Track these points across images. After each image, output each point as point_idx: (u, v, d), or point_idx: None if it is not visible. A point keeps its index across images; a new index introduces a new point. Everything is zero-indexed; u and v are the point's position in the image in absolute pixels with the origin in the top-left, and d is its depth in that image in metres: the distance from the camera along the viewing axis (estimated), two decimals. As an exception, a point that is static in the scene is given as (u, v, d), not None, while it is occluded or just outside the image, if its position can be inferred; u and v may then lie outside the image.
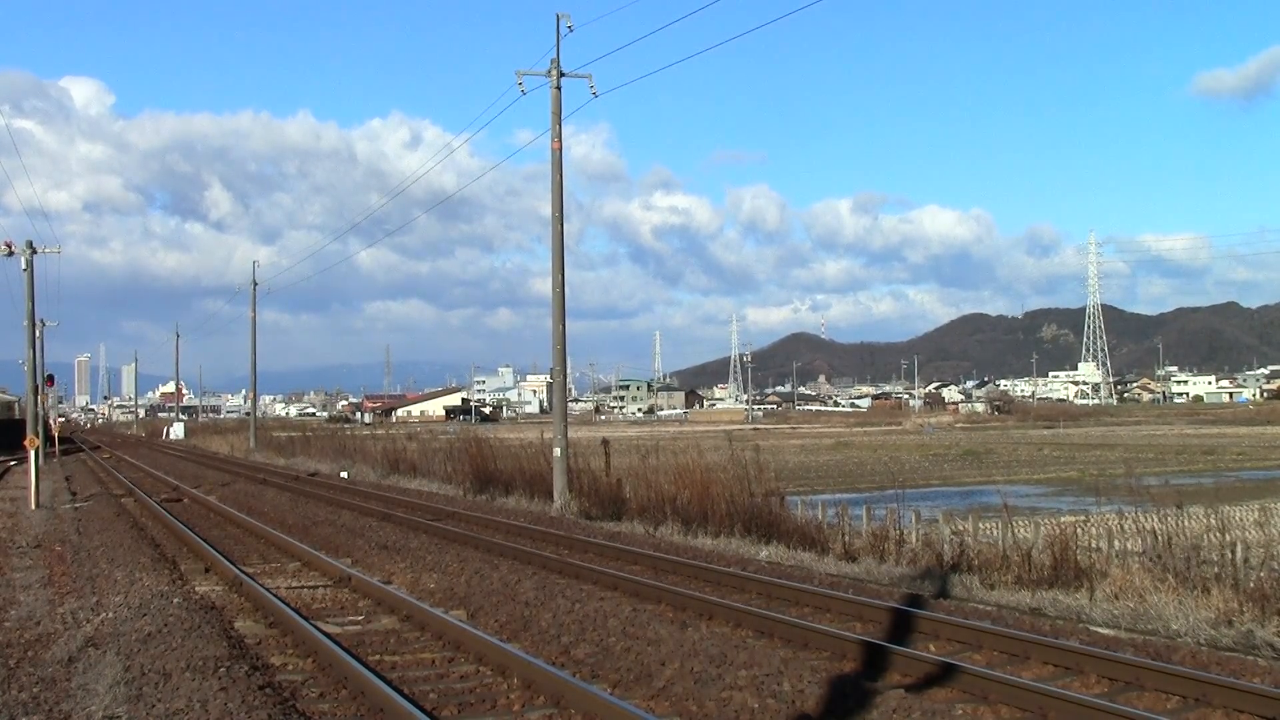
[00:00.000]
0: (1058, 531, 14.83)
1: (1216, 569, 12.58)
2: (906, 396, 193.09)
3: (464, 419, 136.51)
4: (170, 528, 21.65)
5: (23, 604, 13.27)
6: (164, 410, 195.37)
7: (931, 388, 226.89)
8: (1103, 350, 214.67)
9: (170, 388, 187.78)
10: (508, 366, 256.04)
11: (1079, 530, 15.39)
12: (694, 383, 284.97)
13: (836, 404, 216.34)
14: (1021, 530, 16.58)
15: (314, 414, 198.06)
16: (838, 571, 15.39)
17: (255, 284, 67.99)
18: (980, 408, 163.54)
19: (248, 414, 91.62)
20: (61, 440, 68.86)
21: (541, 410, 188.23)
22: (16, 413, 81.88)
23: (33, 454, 29.18)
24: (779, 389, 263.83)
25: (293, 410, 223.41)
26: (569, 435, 26.19)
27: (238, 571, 14.94)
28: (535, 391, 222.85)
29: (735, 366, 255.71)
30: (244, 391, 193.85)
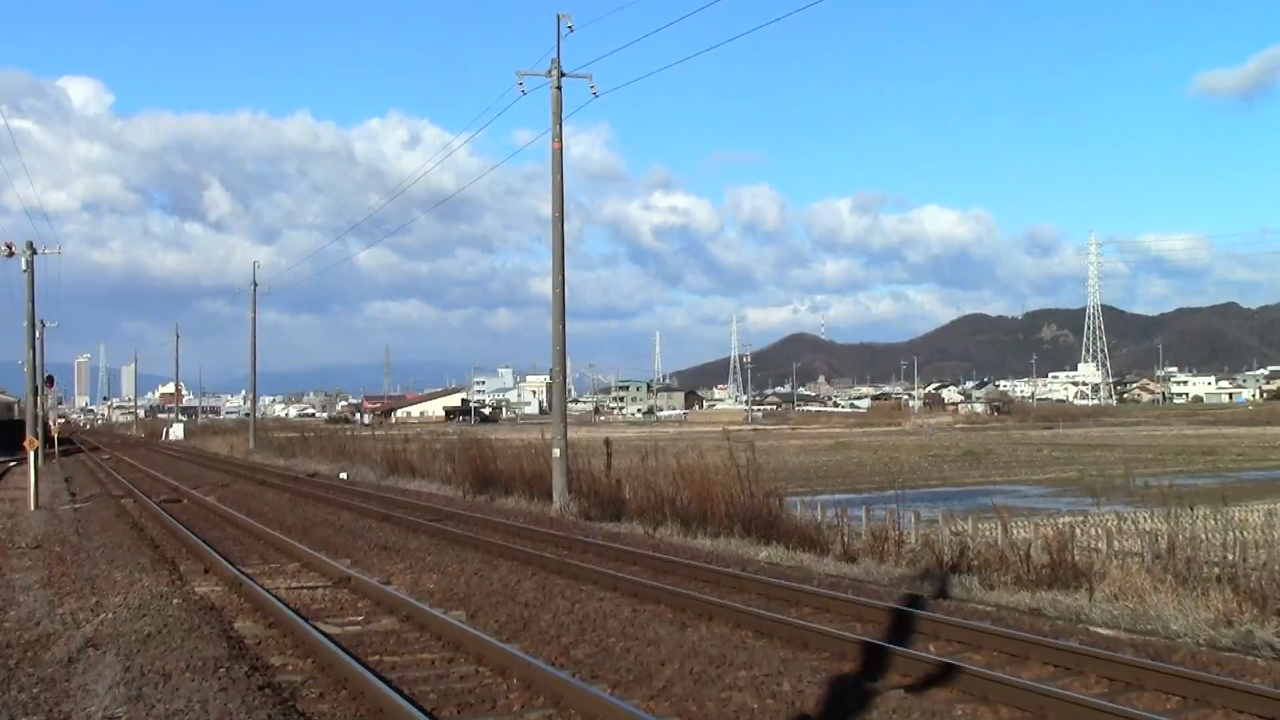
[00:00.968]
0: (1057, 532, 14.83)
1: (1217, 569, 12.58)
2: (906, 397, 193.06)
3: (464, 420, 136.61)
4: (170, 528, 21.64)
5: (22, 605, 13.27)
6: (164, 411, 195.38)
7: (931, 388, 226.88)
8: (1103, 351, 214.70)
9: (170, 388, 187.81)
10: (508, 367, 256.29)
11: (1078, 531, 15.39)
12: (694, 383, 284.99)
13: (836, 404, 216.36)
14: (1021, 531, 16.58)
15: (313, 415, 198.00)
16: (837, 572, 15.39)
17: (255, 284, 68.08)
18: (980, 408, 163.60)
19: (247, 415, 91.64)
20: (61, 441, 68.86)
21: (541, 411, 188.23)
22: (16, 413, 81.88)
23: (32, 455, 29.17)
24: (779, 389, 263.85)
25: (292, 411, 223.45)
26: (569, 436, 26.19)
27: (237, 572, 14.94)
28: (535, 392, 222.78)
29: (735, 367, 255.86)
30: (244, 392, 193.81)
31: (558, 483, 25.14)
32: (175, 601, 12.99)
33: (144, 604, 12.82)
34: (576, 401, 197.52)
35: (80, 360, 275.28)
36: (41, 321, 52.69)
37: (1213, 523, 14.91)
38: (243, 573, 14.94)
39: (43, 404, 48.18)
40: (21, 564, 17.10)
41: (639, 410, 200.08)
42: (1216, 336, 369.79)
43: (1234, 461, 48.54)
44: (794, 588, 13.28)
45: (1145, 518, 16.12)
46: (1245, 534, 15.53)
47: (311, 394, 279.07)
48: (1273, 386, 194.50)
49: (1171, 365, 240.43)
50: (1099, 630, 11.27)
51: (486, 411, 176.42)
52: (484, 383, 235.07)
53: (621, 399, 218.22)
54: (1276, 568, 12.15)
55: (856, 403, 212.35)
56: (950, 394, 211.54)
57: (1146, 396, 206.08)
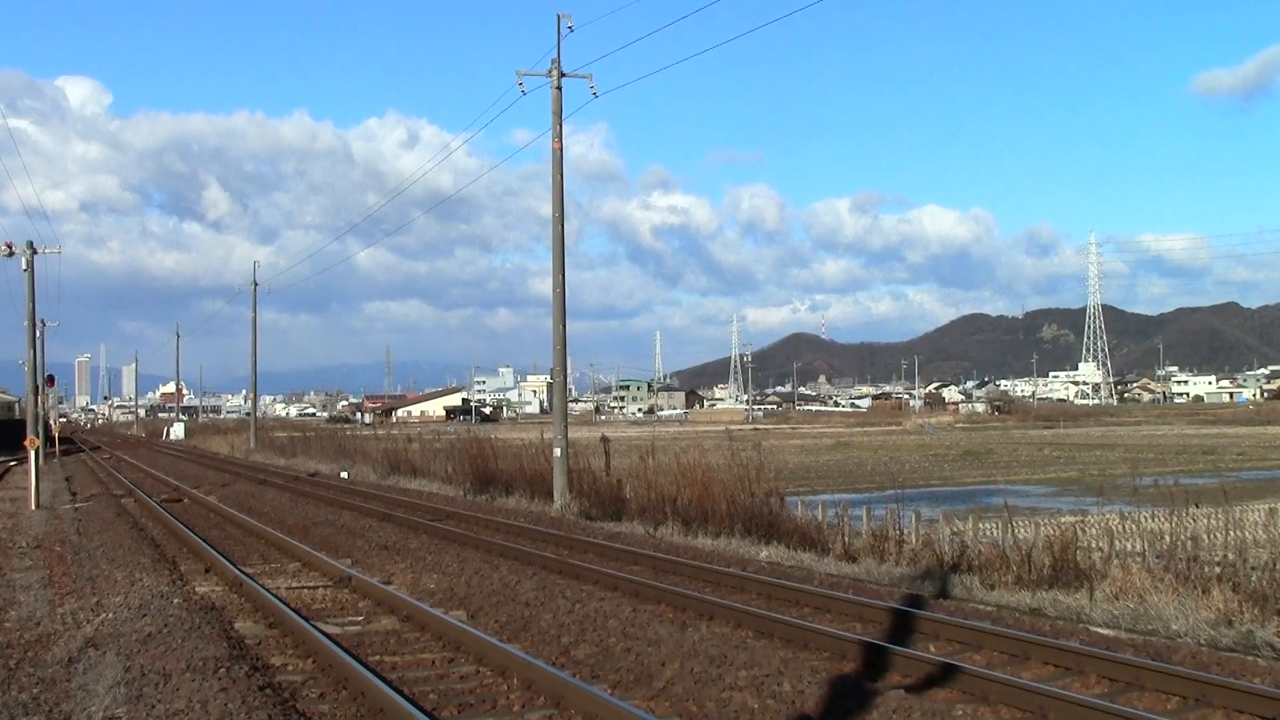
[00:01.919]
0: (1058, 532, 14.83)
1: (1217, 569, 12.58)
2: (907, 397, 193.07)
3: (464, 419, 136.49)
4: (170, 528, 21.65)
5: (23, 604, 13.27)
6: (164, 410, 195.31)
7: (932, 388, 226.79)
8: (1103, 350, 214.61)
9: (170, 388, 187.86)
10: (508, 367, 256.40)
11: (1079, 530, 15.38)
12: (694, 383, 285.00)
13: (836, 404, 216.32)
14: (1021, 530, 16.57)
15: (314, 414, 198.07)
16: (838, 572, 15.39)
17: (255, 284, 68.06)
18: (980, 408, 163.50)
19: (248, 414, 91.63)
20: (62, 440, 68.87)
21: (542, 410, 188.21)
22: (17, 413, 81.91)
23: (33, 454, 29.18)
24: (779, 389, 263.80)
25: (293, 410, 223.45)
26: (569, 435, 26.19)
27: (238, 572, 14.94)
28: (535, 392, 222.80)
29: (735, 367, 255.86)
30: (244, 392, 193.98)
31: (558, 482, 25.14)
32: (176, 601, 12.99)
33: (144, 604, 12.82)
34: (577, 401, 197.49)
35: (81, 360, 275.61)
36: (42, 321, 52.77)
37: (1214, 522, 14.91)
38: (243, 572, 14.94)
39: (43, 403, 48.20)
40: (22, 564, 17.11)
41: (640, 410, 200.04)
42: (1216, 336, 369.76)
43: (1234, 461, 48.54)
44: (794, 588, 13.28)
45: (1146, 517, 16.12)
46: (1246, 534, 15.52)
47: (312, 393, 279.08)
48: (1273, 386, 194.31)
49: (1172, 365, 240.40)
50: (1099, 630, 11.27)
51: (487, 411, 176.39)
52: (484, 382, 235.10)
53: (622, 398, 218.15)
54: (1277, 567, 12.14)
55: (857, 402, 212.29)
56: (951, 393, 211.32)
57: (1147, 396, 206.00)
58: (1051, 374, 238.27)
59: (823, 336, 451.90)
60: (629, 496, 23.44)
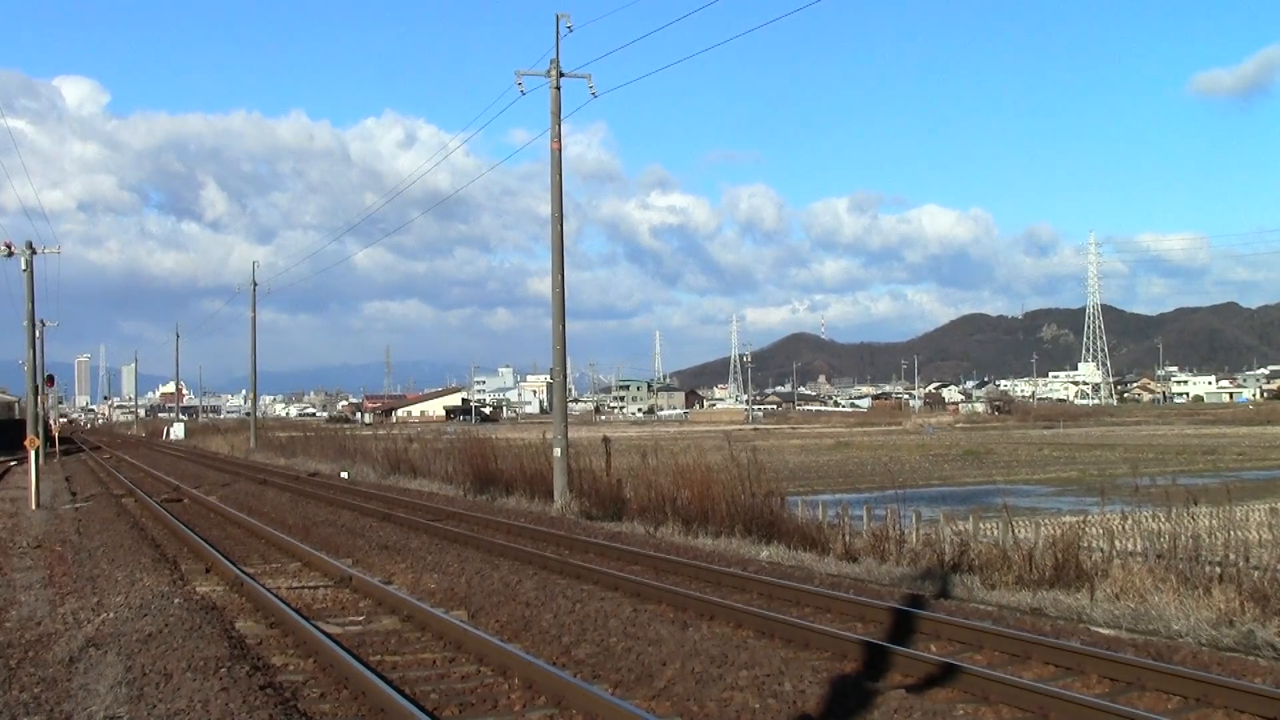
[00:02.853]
0: (1058, 531, 14.83)
1: (1219, 569, 12.57)
2: (906, 397, 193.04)
3: (464, 419, 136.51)
4: (171, 528, 21.65)
5: (23, 604, 13.27)
6: (164, 410, 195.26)
7: (931, 388, 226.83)
8: (1103, 350, 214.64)
9: (170, 388, 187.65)
10: (508, 367, 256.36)
11: (1080, 530, 15.37)
12: (694, 383, 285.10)
13: (836, 404, 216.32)
14: (1022, 530, 16.58)
15: (314, 414, 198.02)
16: (838, 572, 15.39)
17: (255, 284, 68.06)
18: (980, 408, 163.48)
19: (248, 414, 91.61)
20: (62, 440, 68.86)
21: (542, 410, 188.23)
22: (17, 413, 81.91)
23: (33, 454, 29.18)
24: (779, 389, 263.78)
25: (293, 410, 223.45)
26: (569, 435, 26.19)
27: (238, 572, 14.94)
28: (535, 392, 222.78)
29: (735, 367, 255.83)
30: (244, 392, 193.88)
31: (558, 482, 25.14)
32: (176, 601, 12.99)
33: (145, 603, 12.82)
34: (577, 401, 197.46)
35: (80, 360, 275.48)
36: (41, 321, 52.77)
37: (1214, 522, 14.90)
38: (244, 572, 14.94)
39: (43, 403, 48.19)
40: (22, 563, 17.11)
41: (639, 410, 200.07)
42: (1216, 336, 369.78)
43: (1235, 461, 48.52)
44: (795, 587, 13.28)
45: (1147, 517, 16.11)
46: (1247, 533, 15.51)
47: (312, 393, 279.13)
48: (1273, 386, 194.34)
49: (1171, 365, 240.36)
50: (1100, 630, 11.27)
51: (487, 411, 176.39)
52: (484, 382, 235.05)
53: (622, 398, 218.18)
54: (1278, 567, 12.14)
55: (857, 402, 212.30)
56: (951, 393, 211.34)
57: (1147, 396, 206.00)
58: (1051, 374, 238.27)
59: (822, 336, 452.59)
60: (629, 496, 23.44)
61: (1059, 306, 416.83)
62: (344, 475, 39.97)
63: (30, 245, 31.39)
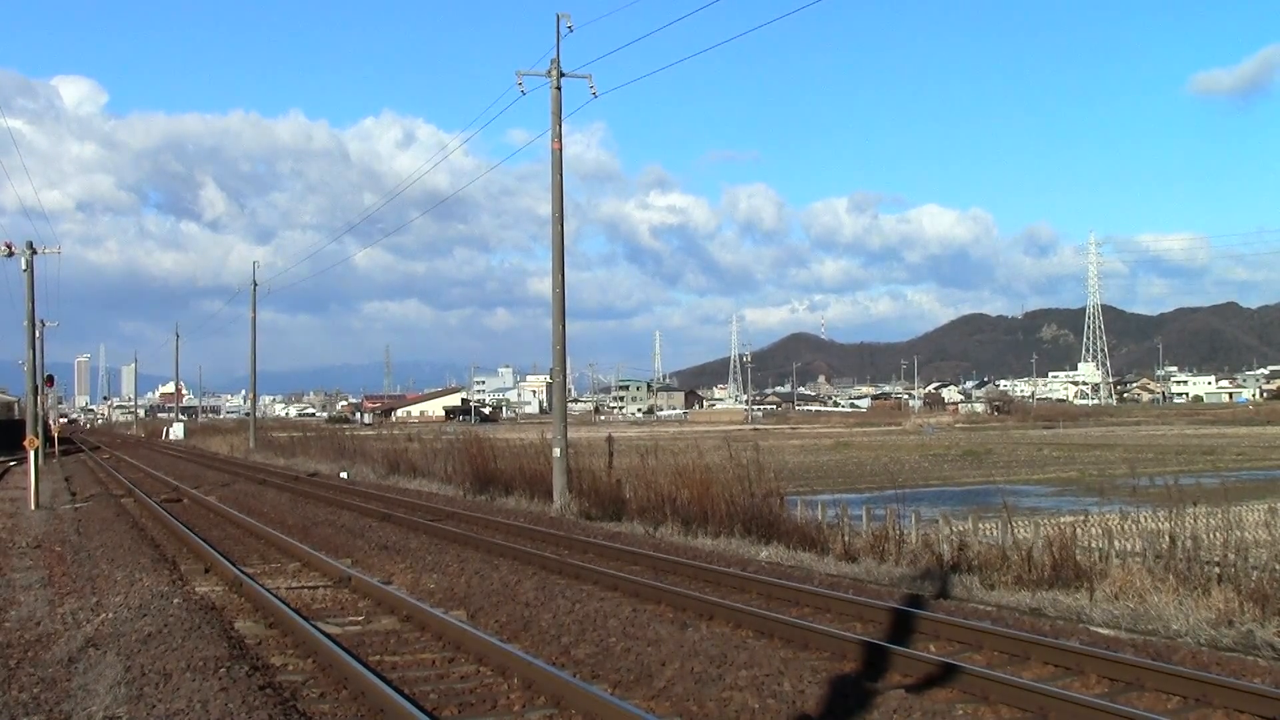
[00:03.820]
0: (1057, 532, 14.82)
1: (1218, 569, 12.58)
2: (906, 397, 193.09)
3: (464, 419, 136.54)
4: (170, 528, 21.65)
5: (23, 604, 13.27)
6: (164, 411, 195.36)
7: (931, 388, 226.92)
8: (1102, 350, 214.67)
9: (170, 388, 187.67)
10: (507, 367, 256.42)
11: (1079, 530, 15.38)
12: (694, 383, 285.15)
13: (836, 404, 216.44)
14: (1021, 530, 16.58)
15: (314, 414, 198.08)
16: (838, 572, 15.40)
17: (255, 284, 68.05)
18: (980, 408, 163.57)
19: (247, 414, 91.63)
20: (61, 441, 68.85)
21: (541, 410, 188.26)
22: (16, 413, 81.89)
23: (32, 454, 29.18)
24: (779, 389, 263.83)
25: (292, 410, 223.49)
26: (569, 435, 26.19)
27: (238, 572, 14.94)
28: (535, 392, 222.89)
29: (735, 367, 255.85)
30: (244, 392, 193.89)
31: (558, 482, 25.14)
32: (176, 601, 12.99)
33: (144, 604, 12.82)
34: (577, 401, 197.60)
35: (80, 360, 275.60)
36: (41, 321, 52.76)
37: (1214, 522, 14.91)
38: (243, 572, 14.94)
39: (43, 403, 48.18)
40: (22, 564, 17.11)
41: (639, 410, 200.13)
42: (1216, 336, 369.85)
43: (1234, 461, 48.52)
44: (795, 587, 13.28)
45: (1146, 517, 16.13)
46: (1246, 533, 15.52)
47: (311, 393, 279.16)
48: (1273, 386, 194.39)
49: (1171, 365, 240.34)
50: (1099, 630, 11.27)
51: (487, 411, 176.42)
52: (484, 382, 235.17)
53: (622, 398, 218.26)
54: (1277, 567, 12.15)
55: (857, 402, 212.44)
56: (950, 394, 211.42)
57: (1147, 396, 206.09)
58: (1051, 374, 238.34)
59: (822, 336, 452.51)
60: (629, 496, 23.44)
61: (1059, 306, 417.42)
62: (343, 475, 39.97)
63: (30, 245, 31.39)
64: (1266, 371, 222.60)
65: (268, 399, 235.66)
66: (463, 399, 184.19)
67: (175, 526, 21.45)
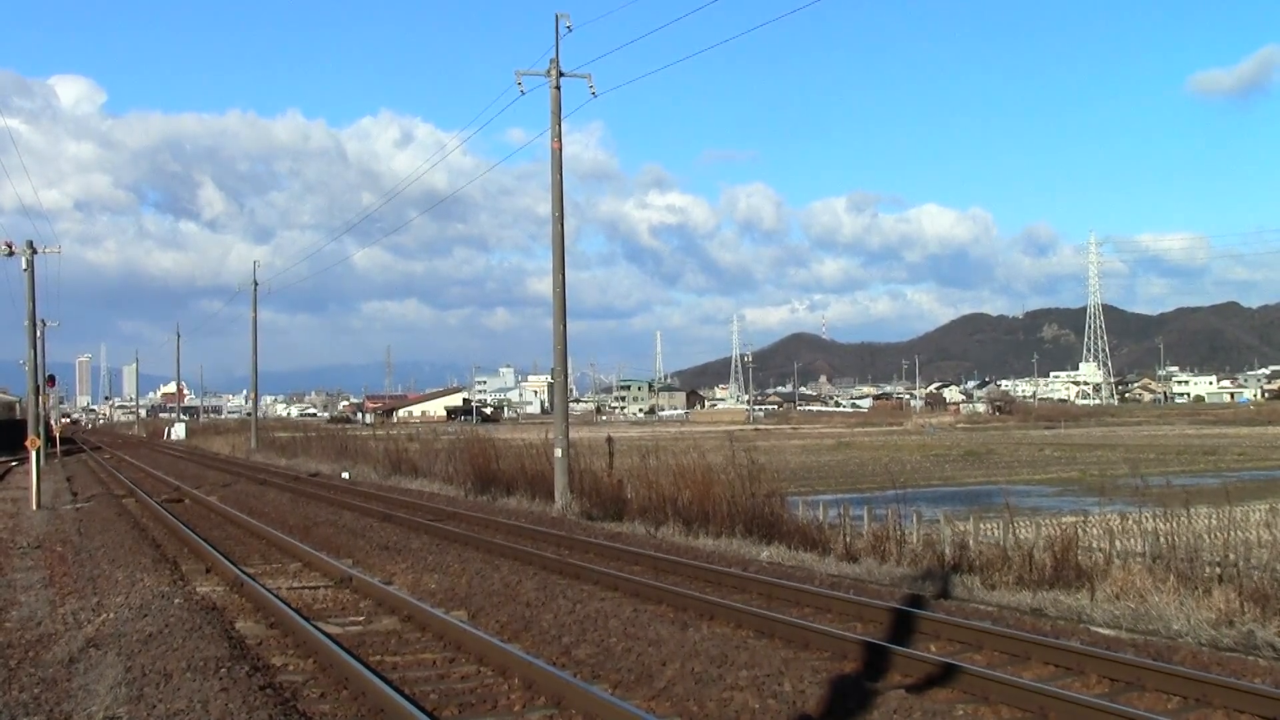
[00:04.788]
0: (1059, 532, 14.83)
1: (1218, 569, 12.58)
2: (907, 397, 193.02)
3: (465, 419, 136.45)
4: (171, 528, 21.66)
5: (24, 604, 13.28)
6: (165, 410, 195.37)
7: (932, 388, 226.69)
8: (1103, 350, 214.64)
9: (171, 388, 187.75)
10: (509, 367, 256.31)
11: (1080, 530, 15.38)
12: (695, 383, 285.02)
13: (837, 404, 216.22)
14: (1022, 530, 16.58)
15: (315, 414, 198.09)
16: (839, 572, 15.39)
17: (256, 284, 68.09)
18: (981, 408, 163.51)
19: (249, 414, 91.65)
20: (63, 441, 68.89)
21: (543, 410, 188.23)
22: (18, 413, 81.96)
23: (34, 455, 29.20)
24: (780, 389, 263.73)
25: (294, 411, 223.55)
26: (570, 435, 26.20)
27: (239, 572, 14.94)
28: (536, 392, 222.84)
29: (736, 367, 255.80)
30: (245, 392, 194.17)
31: (559, 482, 25.14)
32: (177, 601, 12.99)
33: (145, 604, 12.83)
34: (578, 401, 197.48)
35: (81, 360, 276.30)
36: (42, 321, 52.78)
37: (1215, 522, 14.91)
38: (244, 573, 14.94)
39: (44, 404, 48.22)
40: (23, 564, 17.12)
41: (640, 410, 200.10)
42: (1217, 336, 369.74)
43: (1236, 461, 48.52)
44: (795, 588, 13.28)
45: (1147, 517, 16.11)
46: (1247, 534, 15.52)
47: (313, 394, 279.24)
48: (1274, 386, 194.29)
49: (1172, 365, 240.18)
50: (1100, 630, 11.27)
51: (488, 411, 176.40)
52: (485, 382, 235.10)
53: (623, 399, 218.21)
54: (1278, 568, 12.15)
55: (858, 402, 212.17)
56: (952, 394, 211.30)
57: (1148, 396, 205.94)
58: (1052, 374, 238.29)
59: (823, 336, 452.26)
60: (630, 497, 23.45)
61: (1059, 306, 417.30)
62: (345, 476, 39.98)
63: (31, 245, 31.42)
64: (1268, 372, 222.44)
65: (269, 399, 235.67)
66: (464, 399, 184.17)
67: (176, 527, 21.45)
